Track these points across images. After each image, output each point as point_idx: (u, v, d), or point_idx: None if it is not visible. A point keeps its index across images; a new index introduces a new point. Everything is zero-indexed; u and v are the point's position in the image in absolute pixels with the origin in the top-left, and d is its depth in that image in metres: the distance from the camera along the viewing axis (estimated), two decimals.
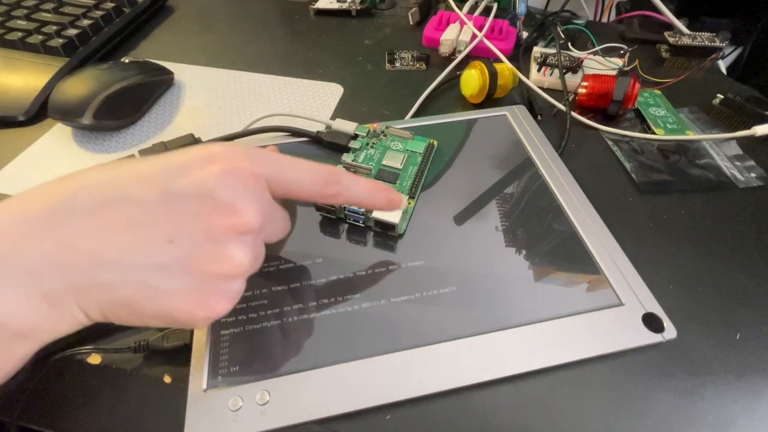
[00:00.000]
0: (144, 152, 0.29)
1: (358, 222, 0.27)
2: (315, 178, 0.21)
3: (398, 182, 0.29)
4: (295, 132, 0.33)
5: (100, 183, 0.16)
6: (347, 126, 0.32)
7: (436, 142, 0.32)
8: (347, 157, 0.30)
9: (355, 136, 0.32)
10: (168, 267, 0.16)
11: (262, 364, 0.21)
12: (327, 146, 0.32)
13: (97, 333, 0.23)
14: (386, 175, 0.29)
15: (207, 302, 0.17)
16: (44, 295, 0.15)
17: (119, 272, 0.16)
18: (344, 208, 0.27)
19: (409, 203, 0.28)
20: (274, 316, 0.23)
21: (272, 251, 0.26)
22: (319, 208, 0.27)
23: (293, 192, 0.20)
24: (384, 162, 0.30)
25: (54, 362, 0.22)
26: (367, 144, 0.31)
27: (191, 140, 0.30)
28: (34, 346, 0.16)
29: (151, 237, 0.16)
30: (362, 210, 0.26)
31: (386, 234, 0.27)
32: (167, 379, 0.22)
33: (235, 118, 0.37)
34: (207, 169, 0.17)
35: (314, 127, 0.33)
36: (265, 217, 0.19)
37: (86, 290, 0.16)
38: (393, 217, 0.26)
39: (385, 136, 0.32)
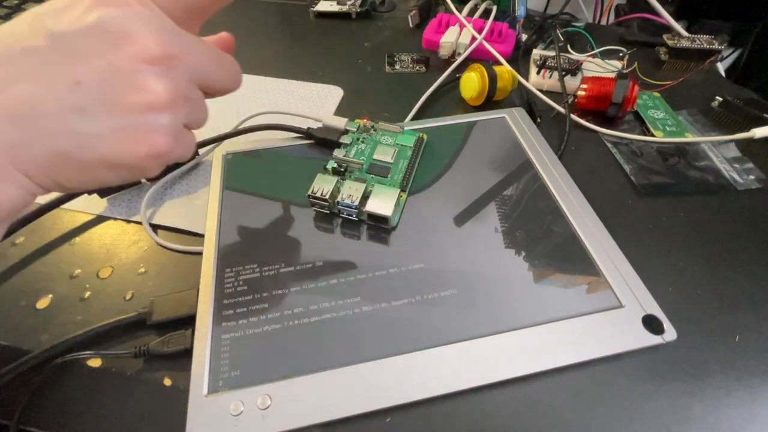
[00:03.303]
0: None
1: (351, 216, 0.27)
2: (232, 72, 0.21)
3: (390, 176, 0.29)
4: (285, 128, 0.33)
5: None
6: (337, 121, 0.32)
7: (425, 136, 0.32)
8: (339, 153, 0.30)
9: (345, 131, 0.32)
10: (85, 109, 0.16)
11: (263, 368, 0.21)
12: (318, 142, 0.33)
13: (98, 338, 0.23)
14: (377, 169, 0.30)
15: (143, 138, 0.17)
16: None
17: (39, 124, 0.16)
18: (337, 202, 0.27)
19: (401, 196, 0.28)
20: (274, 320, 0.23)
21: (271, 255, 0.26)
22: (312, 203, 0.28)
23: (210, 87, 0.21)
24: (375, 156, 0.30)
25: (54, 366, 0.22)
26: (358, 139, 0.32)
27: None
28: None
29: (56, 82, 0.16)
30: (355, 204, 0.27)
31: (381, 228, 0.27)
32: (168, 383, 0.22)
33: (235, 120, 0.37)
34: (84, 3, 0.16)
35: (305, 125, 0.33)
36: (171, 44, 0.17)
37: (15, 150, 0.15)
38: (385, 209, 0.26)
39: (375, 130, 0.32)
